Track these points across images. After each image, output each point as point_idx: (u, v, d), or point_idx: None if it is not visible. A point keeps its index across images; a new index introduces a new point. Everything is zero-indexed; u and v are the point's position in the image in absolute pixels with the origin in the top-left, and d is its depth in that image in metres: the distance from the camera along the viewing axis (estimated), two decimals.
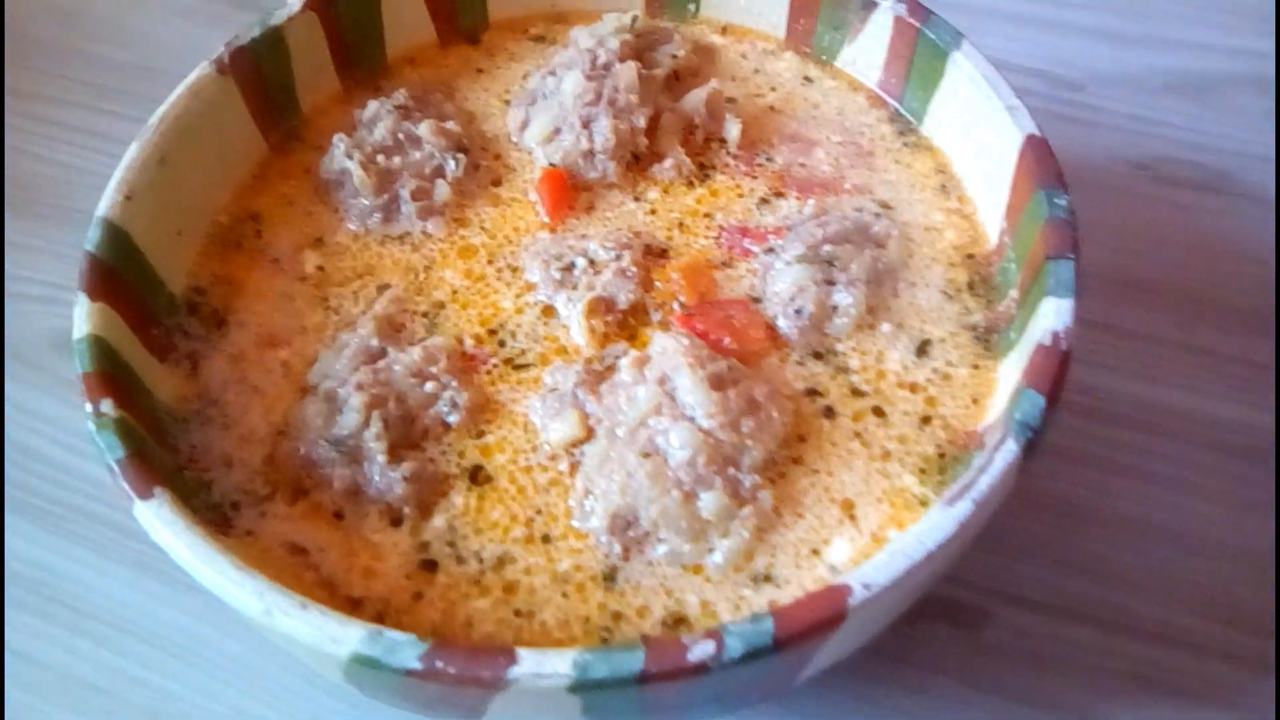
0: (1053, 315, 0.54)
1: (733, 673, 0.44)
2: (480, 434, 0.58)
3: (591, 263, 0.63)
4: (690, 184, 0.69)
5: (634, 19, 0.73)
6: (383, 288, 0.64)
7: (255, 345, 0.62)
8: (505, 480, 0.57)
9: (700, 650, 0.44)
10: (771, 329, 0.61)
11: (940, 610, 0.66)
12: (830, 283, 0.62)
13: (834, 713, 0.64)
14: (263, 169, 0.70)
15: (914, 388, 0.59)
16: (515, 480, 0.56)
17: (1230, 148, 0.90)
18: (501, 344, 0.62)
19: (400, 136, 0.68)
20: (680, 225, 0.67)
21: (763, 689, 0.54)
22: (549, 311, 0.63)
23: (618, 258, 0.63)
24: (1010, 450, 0.49)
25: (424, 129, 0.68)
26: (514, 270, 0.65)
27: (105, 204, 0.59)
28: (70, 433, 0.77)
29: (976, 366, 0.60)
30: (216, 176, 0.67)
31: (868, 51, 0.73)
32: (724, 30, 0.78)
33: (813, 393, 0.59)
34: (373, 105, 0.70)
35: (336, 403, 0.57)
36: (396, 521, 0.55)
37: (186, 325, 0.62)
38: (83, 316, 0.55)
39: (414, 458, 0.56)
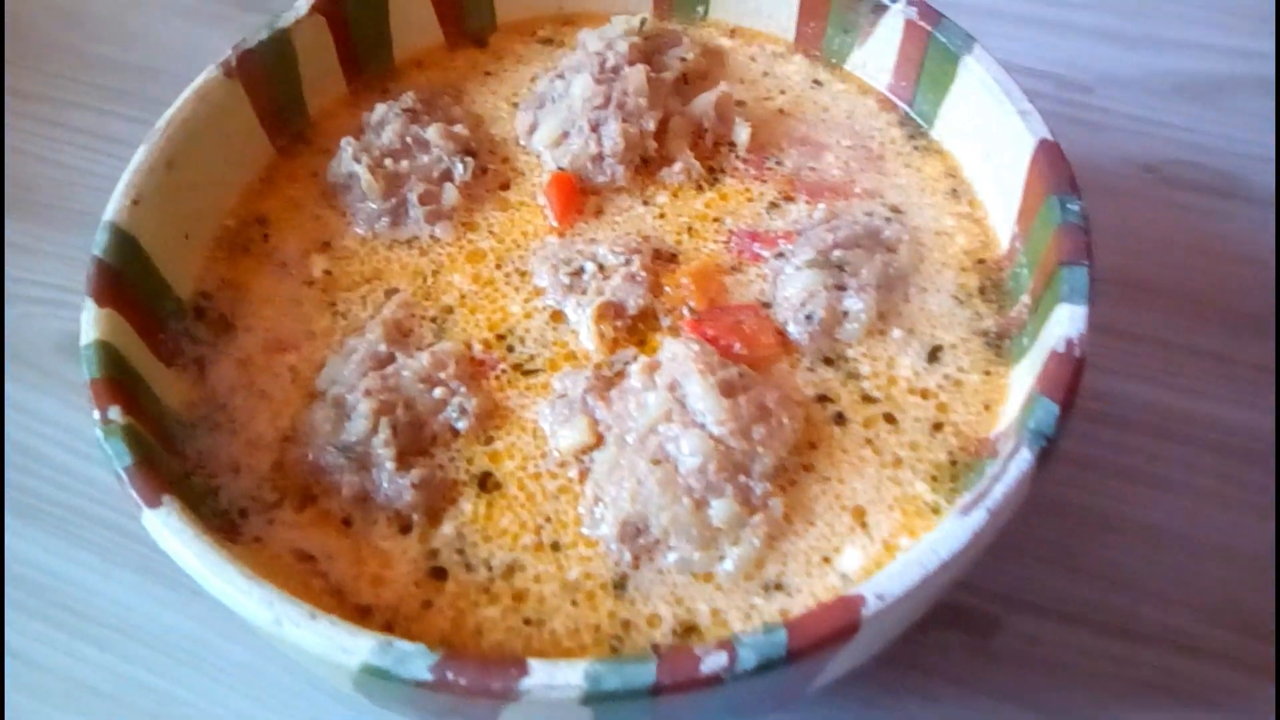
0: (1066, 322, 0.54)
1: (745, 684, 0.44)
2: (489, 440, 0.58)
3: (600, 267, 0.63)
4: (699, 188, 0.68)
5: (642, 21, 0.72)
6: (391, 292, 0.64)
7: (263, 350, 0.61)
8: (514, 487, 0.56)
9: (713, 661, 0.44)
10: (782, 334, 0.61)
11: (950, 617, 0.66)
12: (841, 288, 0.61)
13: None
14: (270, 172, 0.69)
15: (925, 394, 0.59)
16: (524, 487, 0.56)
17: (1239, 150, 0.90)
18: (510, 349, 0.61)
19: (408, 140, 0.67)
20: (689, 229, 0.66)
21: (774, 699, 0.53)
22: (558, 316, 0.62)
23: (627, 262, 0.63)
24: (1025, 459, 0.49)
25: (432, 132, 0.67)
26: (522, 275, 0.64)
27: (112, 208, 0.59)
28: (73, 435, 0.77)
29: (988, 372, 0.60)
30: (223, 180, 0.67)
31: (878, 55, 0.72)
32: (733, 33, 0.78)
33: (823, 399, 0.59)
34: (380, 108, 0.69)
35: (345, 409, 0.57)
36: (405, 529, 0.55)
37: (193, 330, 0.62)
38: (90, 322, 0.55)
39: (423, 464, 0.56)
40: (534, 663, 0.44)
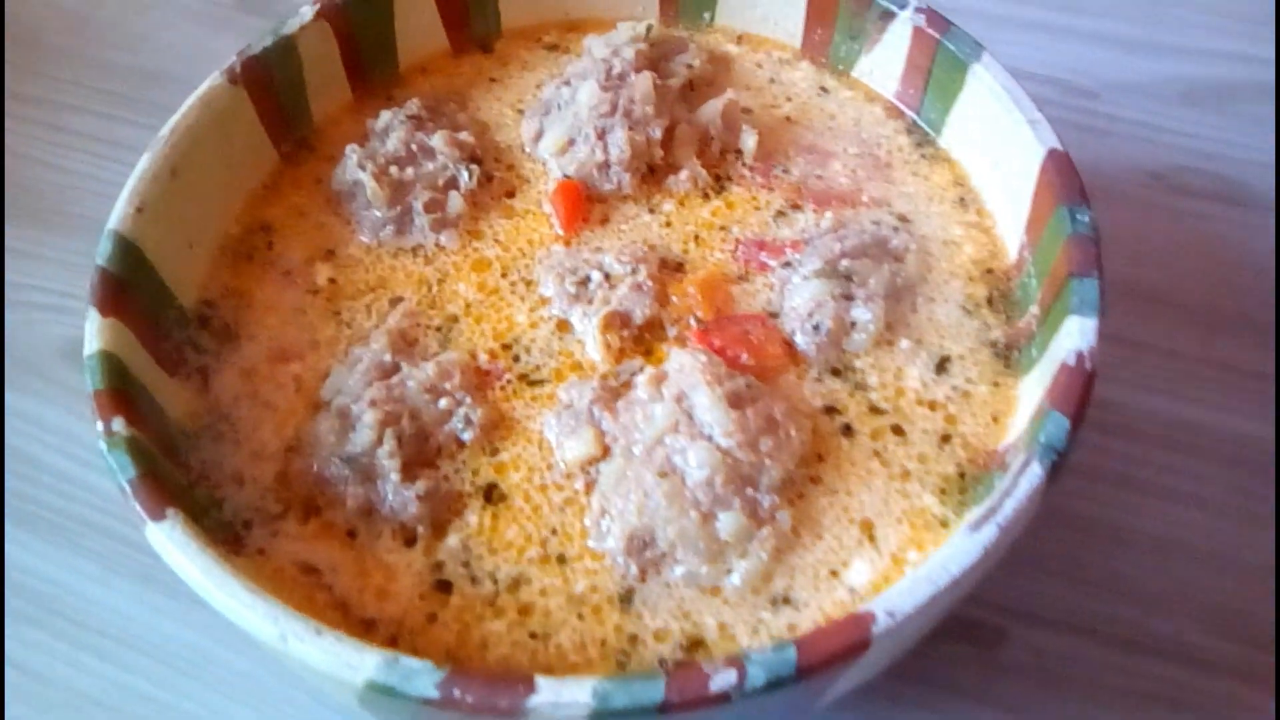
0: (1077, 334, 0.53)
1: (754, 701, 0.44)
2: (495, 451, 0.57)
3: (607, 276, 0.62)
4: (706, 196, 0.68)
5: (649, 28, 0.72)
6: (395, 301, 0.63)
7: (266, 359, 0.61)
8: (520, 499, 0.56)
9: (722, 679, 0.43)
10: (789, 345, 0.61)
11: (958, 630, 0.65)
12: (848, 298, 0.61)
13: None
14: (274, 179, 0.69)
15: (933, 405, 0.59)
16: (530, 499, 0.56)
17: (1247, 157, 0.89)
18: (516, 359, 0.61)
19: (413, 147, 0.67)
20: (696, 238, 0.66)
21: (782, 715, 0.53)
22: (564, 326, 0.62)
23: (633, 271, 0.62)
24: (1035, 473, 0.49)
25: (437, 140, 0.67)
26: (528, 284, 0.64)
27: (116, 216, 0.59)
28: (75, 443, 0.77)
29: (996, 384, 0.59)
30: (227, 187, 0.67)
31: (885, 62, 0.72)
32: (739, 39, 0.77)
33: (831, 410, 0.58)
34: (385, 115, 0.69)
35: (349, 419, 0.56)
36: (410, 541, 0.54)
37: (197, 339, 0.62)
38: (93, 332, 0.54)
39: (428, 476, 0.56)
40: (541, 680, 0.43)
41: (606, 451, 0.56)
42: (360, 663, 0.44)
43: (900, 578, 0.51)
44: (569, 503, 0.55)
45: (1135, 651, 0.65)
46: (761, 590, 0.52)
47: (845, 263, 0.62)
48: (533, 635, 0.51)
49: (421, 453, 0.56)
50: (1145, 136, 0.91)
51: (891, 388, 0.59)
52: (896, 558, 0.53)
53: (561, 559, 0.54)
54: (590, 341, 0.61)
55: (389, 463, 0.55)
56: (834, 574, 0.53)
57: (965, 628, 0.65)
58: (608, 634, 0.51)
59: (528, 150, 0.71)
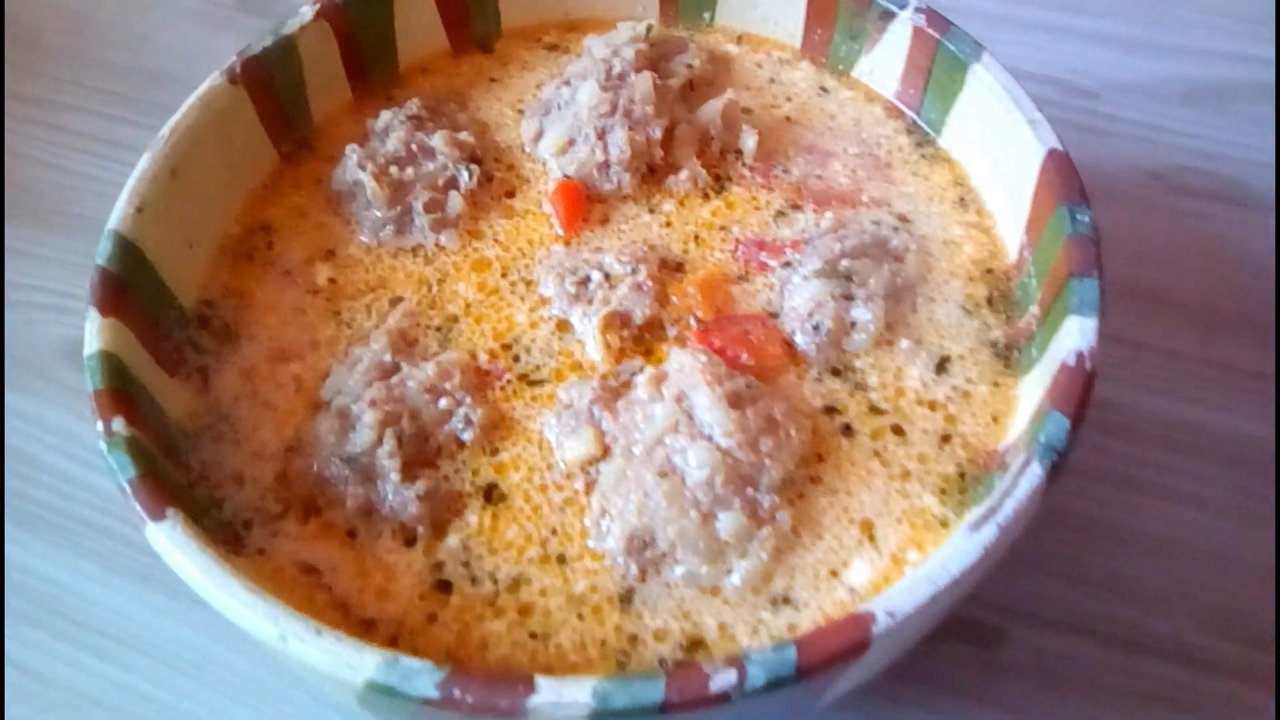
0: (1077, 334, 0.53)
1: (754, 701, 0.44)
2: (495, 451, 0.57)
3: (607, 276, 0.62)
4: (706, 196, 0.68)
5: (649, 28, 0.72)
6: (395, 301, 0.63)
7: (266, 359, 0.61)
8: (520, 499, 0.56)
9: (722, 679, 0.43)
10: (789, 345, 0.61)
11: (958, 630, 0.65)
12: (848, 298, 0.61)
13: None
14: (274, 180, 0.69)
15: (933, 405, 0.59)
16: (530, 499, 0.56)
17: (1247, 157, 0.89)
18: (516, 359, 0.61)
19: (413, 147, 0.67)
20: (696, 238, 0.66)
21: (782, 715, 0.53)
22: (564, 326, 0.62)
23: (633, 271, 0.62)
24: (1035, 474, 0.49)
25: (437, 140, 0.67)
26: (528, 284, 0.64)
27: (116, 216, 0.59)
28: (75, 443, 0.77)
29: (996, 384, 0.59)
30: (227, 187, 0.67)
31: (885, 62, 0.72)
32: (739, 39, 0.77)
33: (831, 410, 0.58)
34: (385, 115, 0.69)
35: (349, 419, 0.56)
36: (410, 541, 0.54)
37: (197, 339, 0.62)
38: (94, 332, 0.54)
39: (428, 476, 0.56)
40: (541, 680, 0.43)
41: (606, 451, 0.56)
42: (360, 663, 0.44)
43: (900, 578, 0.51)
44: (569, 503, 0.55)
45: (1135, 651, 0.65)
46: (761, 590, 0.52)
47: (845, 263, 0.62)
48: (533, 635, 0.51)
49: (421, 453, 0.56)
50: (1145, 136, 0.91)
51: (891, 388, 0.59)
52: (896, 558, 0.53)
53: (561, 559, 0.54)
54: (590, 341, 0.61)
55: (389, 463, 0.55)
56: (834, 574, 0.53)
57: (965, 628, 0.65)
58: (608, 634, 0.51)
59: (528, 150, 0.71)
